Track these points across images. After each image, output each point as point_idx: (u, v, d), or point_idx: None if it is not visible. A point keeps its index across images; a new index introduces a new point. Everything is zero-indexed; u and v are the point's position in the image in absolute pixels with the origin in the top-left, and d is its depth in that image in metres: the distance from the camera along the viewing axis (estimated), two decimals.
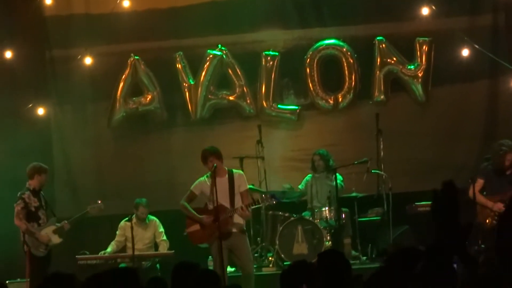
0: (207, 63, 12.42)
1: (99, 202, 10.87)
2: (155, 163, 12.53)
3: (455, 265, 4.09)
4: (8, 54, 12.32)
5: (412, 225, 11.25)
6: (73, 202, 12.26)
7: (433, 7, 12.01)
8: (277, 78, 12.45)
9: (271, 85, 12.44)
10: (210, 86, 12.46)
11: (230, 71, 12.45)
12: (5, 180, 10.53)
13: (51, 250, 10.52)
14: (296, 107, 12.49)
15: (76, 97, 12.61)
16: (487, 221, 10.10)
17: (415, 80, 12.26)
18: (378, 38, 12.28)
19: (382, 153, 11.50)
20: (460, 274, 4.16)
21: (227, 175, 9.71)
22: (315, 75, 12.35)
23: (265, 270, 11.00)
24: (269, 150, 11.94)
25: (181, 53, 12.44)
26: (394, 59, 12.30)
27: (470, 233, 4.10)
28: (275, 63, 12.41)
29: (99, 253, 11.15)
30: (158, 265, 11.09)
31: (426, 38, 12.21)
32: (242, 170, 11.00)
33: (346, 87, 12.35)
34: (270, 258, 11.23)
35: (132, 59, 12.45)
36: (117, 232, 11.38)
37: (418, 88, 12.26)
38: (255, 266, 11.06)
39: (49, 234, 10.41)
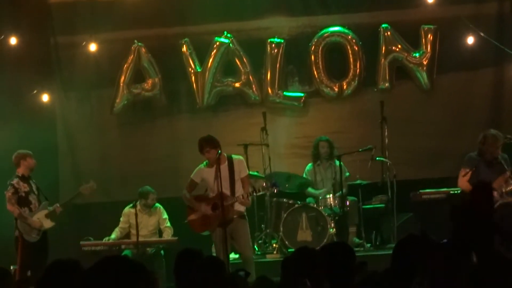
0: (214, 51, 12.40)
1: (91, 182, 10.85)
2: (159, 150, 12.54)
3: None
4: (13, 41, 12.32)
5: (416, 212, 11.25)
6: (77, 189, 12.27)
7: None
8: (282, 65, 12.43)
9: (276, 72, 12.41)
10: (217, 74, 12.46)
11: (236, 58, 12.44)
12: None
13: (47, 237, 10.51)
14: (301, 94, 12.48)
15: (81, 84, 12.61)
16: None
17: (420, 67, 12.24)
18: (383, 25, 12.26)
19: (386, 141, 11.50)
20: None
21: (226, 162, 9.67)
22: (320, 63, 12.34)
23: (269, 257, 11.01)
24: (274, 137, 11.94)
25: (187, 39, 12.42)
26: (399, 46, 12.28)
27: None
28: (280, 51, 12.39)
29: (103, 239, 11.18)
30: (162, 252, 11.12)
31: (431, 26, 12.18)
32: (247, 157, 11.01)
33: (351, 74, 12.34)
34: (274, 245, 11.23)
35: (135, 46, 12.45)
36: (121, 219, 11.37)
37: (423, 76, 12.25)
38: (259, 253, 11.11)
39: (41, 219, 10.41)
